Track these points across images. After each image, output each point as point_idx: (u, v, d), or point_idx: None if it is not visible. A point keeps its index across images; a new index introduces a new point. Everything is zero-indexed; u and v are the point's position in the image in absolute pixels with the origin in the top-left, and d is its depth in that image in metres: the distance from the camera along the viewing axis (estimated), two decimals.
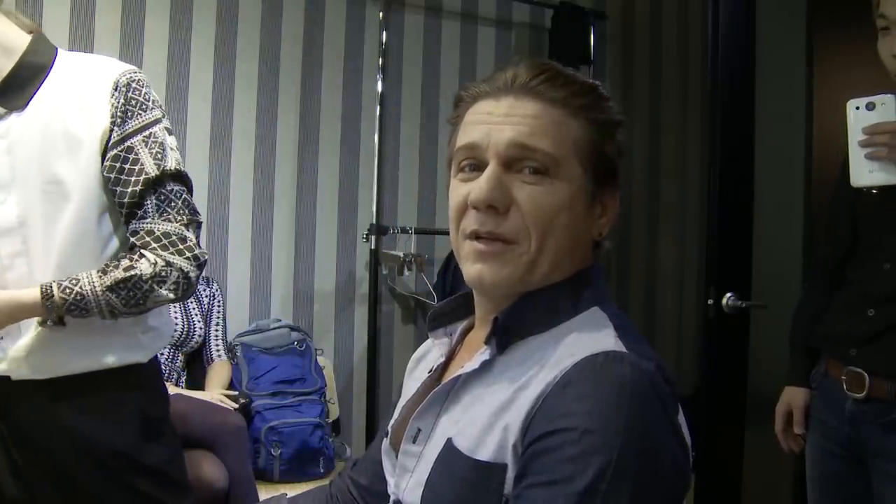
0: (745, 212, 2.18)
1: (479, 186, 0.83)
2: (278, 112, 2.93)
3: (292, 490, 1.96)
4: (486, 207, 0.82)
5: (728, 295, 2.07)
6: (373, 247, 2.97)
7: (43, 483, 1.37)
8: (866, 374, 1.50)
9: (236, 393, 2.57)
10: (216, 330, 2.70)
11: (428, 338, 1.08)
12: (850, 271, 1.63)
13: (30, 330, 1.32)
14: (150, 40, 2.70)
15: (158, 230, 1.33)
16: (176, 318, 2.54)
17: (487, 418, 0.81)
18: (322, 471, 2.57)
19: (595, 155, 0.86)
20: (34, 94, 1.32)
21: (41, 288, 1.27)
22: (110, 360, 1.37)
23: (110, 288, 1.29)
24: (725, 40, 2.14)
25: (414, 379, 1.04)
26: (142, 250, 1.33)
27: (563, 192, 0.83)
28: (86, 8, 2.59)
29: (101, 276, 1.30)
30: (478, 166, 0.85)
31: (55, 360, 1.34)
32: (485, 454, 0.79)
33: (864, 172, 1.39)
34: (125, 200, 1.33)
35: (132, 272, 1.30)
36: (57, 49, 1.39)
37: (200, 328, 2.63)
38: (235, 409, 2.43)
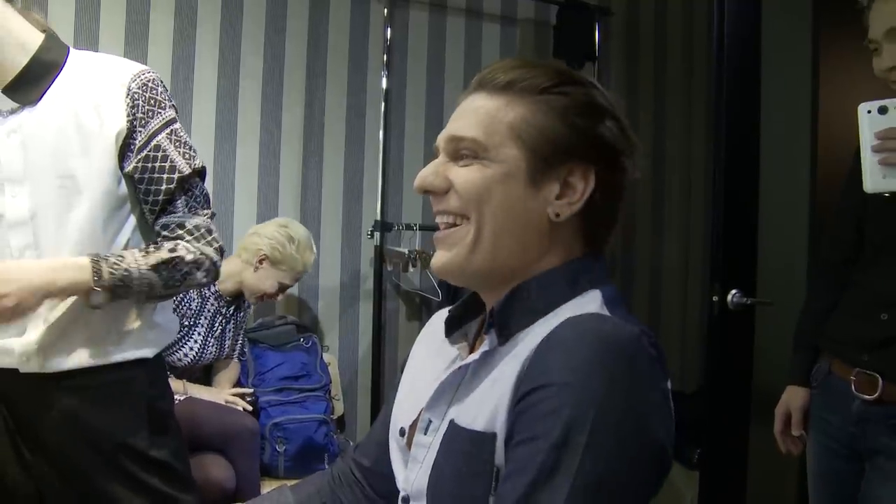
0: (750, 208, 2.18)
1: (418, 175, 0.93)
2: (283, 108, 2.94)
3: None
4: (422, 191, 0.92)
5: (733, 292, 2.07)
6: (377, 243, 2.98)
7: (50, 476, 1.38)
8: (879, 377, 1.50)
9: (250, 390, 2.57)
10: (238, 333, 2.70)
11: (429, 324, 1.09)
12: (858, 274, 1.62)
13: (37, 325, 1.33)
14: (155, 37, 2.70)
15: (190, 223, 1.40)
16: (213, 347, 2.51)
17: (484, 392, 0.83)
18: (327, 467, 2.57)
19: (540, 137, 0.86)
20: (46, 90, 1.35)
21: (90, 258, 1.30)
22: (117, 356, 1.39)
23: (154, 267, 1.34)
24: (731, 38, 2.14)
25: (419, 368, 1.04)
26: (176, 241, 1.39)
27: (492, 171, 0.86)
28: (91, 5, 2.60)
29: (144, 256, 1.34)
30: None
31: (63, 355, 1.35)
32: (479, 424, 0.81)
33: (878, 178, 1.34)
34: (159, 198, 1.39)
35: (175, 254, 1.36)
36: (69, 48, 1.41)
37: (229, 349, 2.61)
38: (248, 411, 2.44)
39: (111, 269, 1.30)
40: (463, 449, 0.81)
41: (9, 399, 1.37)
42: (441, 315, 1.06)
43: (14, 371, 1.34)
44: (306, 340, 2.81)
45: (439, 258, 0.91)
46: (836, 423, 1.60)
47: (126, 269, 1.31)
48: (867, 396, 1.51)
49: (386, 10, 3.03)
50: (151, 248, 1.37)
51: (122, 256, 1.32)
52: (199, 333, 2.44)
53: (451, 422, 0.85)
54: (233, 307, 2.59)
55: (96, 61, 1.41)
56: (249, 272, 2.52)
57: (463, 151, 0.89)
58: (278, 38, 2.92)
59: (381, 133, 3.02)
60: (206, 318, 2.48)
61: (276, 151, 2.94)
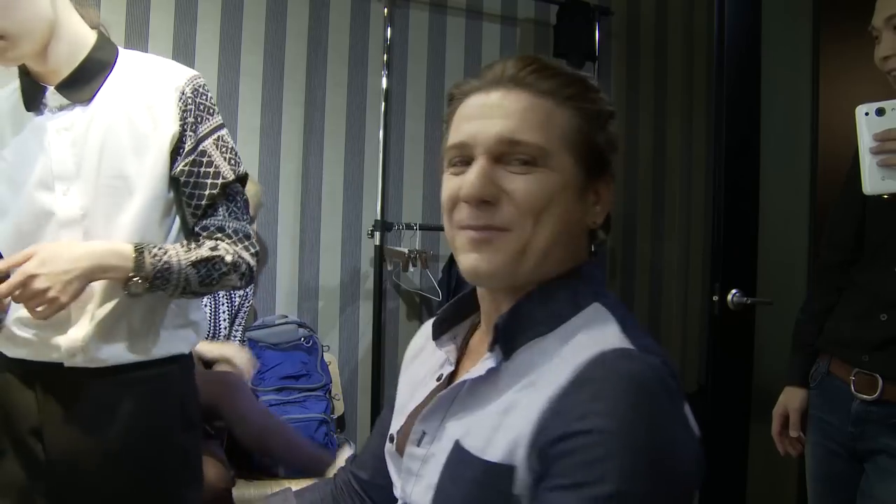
0: (750, 208, 2.18)
1: (468, 182, 0.83)
2: (283, 107, 2.94)
3: (297, 486, 1.96)
4: (477, 203, 0.83)
5: (733, 291, 2.07)
6: (377, 243, 2.98)
7: (74, 473, 1.36)
8: (880, 378, 1.50)
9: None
10: (237, 329, 2.71)
11: (418, 335, 1.09)
12: (857, 275, 1.62)
13: (83, 320, 1.33)
14: (155, 33, 2.71)
15: (229, 227, 1.42)
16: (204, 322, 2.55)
17: (496, 418, 0.80)
18: (332, 476, 2.57)
19: (585, 145, 0.85)
20: (99, 89, 1.35)
21: (134, 246, 1.30)
22: (159, 352, 1.40)
23: (194, 263, 1.35)
24: (731, 38, 2.14)
25: (411, 377, 1.04)
26: (216, 241, 1.40)
27: (553, 180, 0.83)
28: (91, 3, 2.59)
29: (186, 252, 1.35)
30: (467, 161, 0.86)
31: (108, 350, 1.35)
32: (493, 455, 0.78)
33: (877, 180, 1.33)
34: (202, 202, 1.40)
35: (216, 253, 1.38)
36: (118, 48, 1.43)
37: (224, 332, 2.63)
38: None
39: (153, 261, 1.30)
40: (475, 477, 0.79)
41: (46, 395, 1.36)
42: (429, 325, 1.06)
43: (57, 367, 1.34)
44: (306, 340, 2.81)
45: (479, 262, 0.84)
46: (835, 423, 1.60)
47: (167, 262, 1.32)
48: (867, 396, 1.51)
49: (386, 10, 3.03)
50: (193, 245, 1.38)
51: (164, 249, 1.33)
52: None
53: (457, 443, 0.83)
54: None
55: (147, 62, 1.42)
56: None
57: (520, 156, 0.83)
58: (278, 37, 2.92)
59: (381, 133, 3.02)
60: None
61: (276, 151, 2.94)
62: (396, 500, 0.94)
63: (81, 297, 1.31)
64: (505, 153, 0.83)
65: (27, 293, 1.22)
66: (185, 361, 1.48)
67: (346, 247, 3.07)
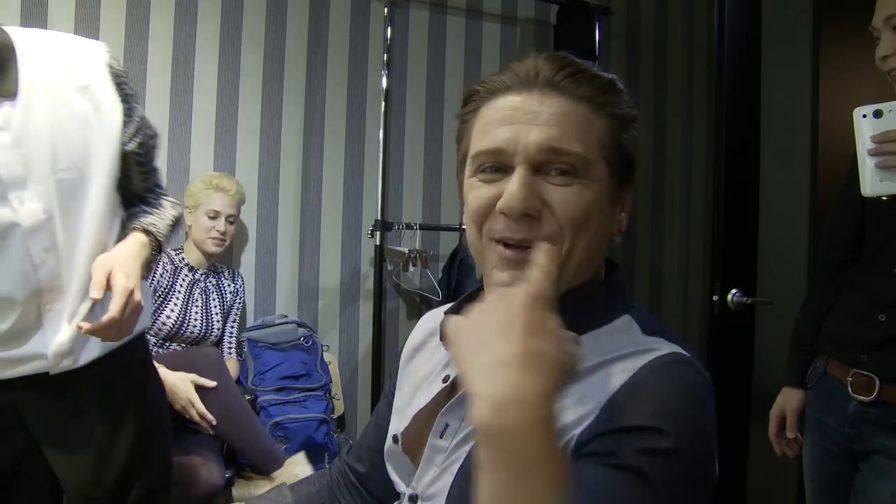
0: (750, 208, 2.18)
1: (511, 194, 0.79)
2: (283, 107, 2.94)
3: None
4: (517, 216, 0.79)
5: (733, 291, 2.07)
6: (378, 242, 2.97)
7: (80, 473, 1.36)
8: (877, 379, 1.50)
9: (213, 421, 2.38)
10: (231, 327, 2.71)
11: (418, 328, 1.09)
12: (856, 275, 1.62)
13: (62, 324, 1.30)
14: (155, 33, 2.70)
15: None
16: (197, 318, 2.55)
17: None
18: (327, 466, 2.57)
19: (618, 153, 0.83)
20: (17, 77, 1.22)
21: (143, 232, 1.32)
22: (136, 327, 1.36)
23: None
24: (731, 38, 2.14)
25: (412, 373, 1.03)
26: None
27: (592, 192, 0.80)
28: (92, 2, 2.60)
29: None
30: (501, 169, 0.82)
31: (91, 345, 1.33)
32: None
33: (875, 182, 1.33)
34: (153, 164, 1.43)
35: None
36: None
37: (218, 328, 2.64)
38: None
39: (158, 237, 1.33)
40: None
41: (32, 407, 1.33)
42: (429, 318, 1.05)
43: (40, 376, 1.29)
44: (306, 339, 2.81)
45: (515, 280, 0.77)
46: (832, 423, 1.60)
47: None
48: (864, 398, 1.52)
49: (386, 10, 3.03)
50: (156, 210, 1.40)
51: (152, 223, 1.34)
52: (175, 303, 2.50)
53: None
54: (213, 278, 2.66)
55: (49, 41, 1.30)
56: (192, 229, 2.61)
57: (560, 166, 0.79)
58: (278, 38, 2.92)
59: (381, 133, 3.01)
60: (181, 286, 2.54)
61: (276, 151, 2.94)
62: (395, 493, 0.94)
63: (55, 305, 1.29)
64: (545, 162, 0.80)
65: (132, 308, 1.19)
66: (144, 334, 1.51)
67: (346, 247, 3.07)
